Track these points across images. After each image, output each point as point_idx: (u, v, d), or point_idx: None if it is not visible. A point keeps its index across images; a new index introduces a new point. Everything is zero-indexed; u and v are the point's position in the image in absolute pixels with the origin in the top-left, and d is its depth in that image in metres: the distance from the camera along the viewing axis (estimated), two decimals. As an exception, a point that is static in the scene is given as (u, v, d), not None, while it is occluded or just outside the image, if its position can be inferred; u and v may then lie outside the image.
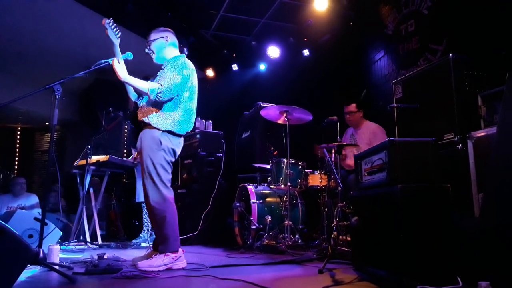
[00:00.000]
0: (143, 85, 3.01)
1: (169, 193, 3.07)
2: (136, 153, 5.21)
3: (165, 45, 3.28)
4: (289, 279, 2.67)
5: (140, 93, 3.28)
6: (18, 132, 10.47)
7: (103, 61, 3.00)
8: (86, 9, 5.80)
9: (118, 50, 3.00)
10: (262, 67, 7.82)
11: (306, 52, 6.93)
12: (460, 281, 2.06)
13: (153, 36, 3.31)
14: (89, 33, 6.42)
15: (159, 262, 2.89)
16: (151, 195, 3.02)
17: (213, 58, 8.00)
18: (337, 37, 6.37)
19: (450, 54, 3.11)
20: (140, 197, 5.15)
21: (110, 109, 6.13)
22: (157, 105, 3.10)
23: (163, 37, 3.29)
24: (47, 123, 9.82)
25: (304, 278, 2.71)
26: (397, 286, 2.12)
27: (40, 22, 6.22)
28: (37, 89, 2.86)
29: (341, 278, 2.51)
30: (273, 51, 7.24)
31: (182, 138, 3.25)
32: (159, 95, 2.99)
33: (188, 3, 6.54)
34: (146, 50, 3.30)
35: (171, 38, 3.34)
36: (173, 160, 3.17)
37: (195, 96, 3.29)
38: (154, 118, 3.08)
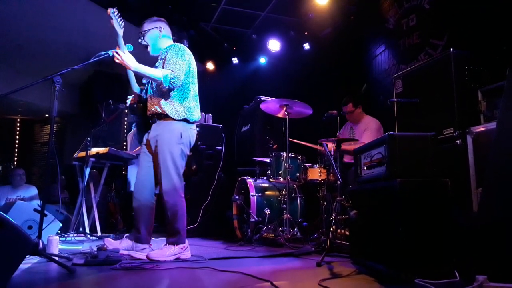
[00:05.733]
0: (156, 72, 2.96)
1: (181, 186, 3.12)
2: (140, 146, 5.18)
3: (159, 36, 3.26)
4: (287, 271, 2.68)
5: (142, 85, 3.28)
6: (18, 124, 10.46)
7: (103, 52, 2.97)
8: (86, 1, 5.78)
9: (121, 41, 2.96)
10: (263, 60, 7.80)
11: (306, 46, 6.91)
12: (458, 275, 2.07)
13: (146, 26, 3.27)
14: (89, 25, 6.40)
15: (170, 252, 2.96)
16: (165, 188, 3.05)
17: (213, 51, 7.98)
18: (338, 31, 6.35)
19: (451, 49, 3.10)
20: (132, 186, 5.11)
21: (110, 101, 6.13)
22: (166, 95, 3.08)
23: (156, 27, 3.25)
24: (46, 115, 9.81)
25: (303, 270, 2.72)
26: (395, 279, 2.13)
27: (40, 14, 6.19)
28: (37, 81, 2.86)
29: (339, 271, 2.52)
30: (274, 45, 7.22)
31: (195, 126, 3.26)
32: (172, 81, 2.97)
33: (189, -4, 6.52)
34: (140, 41, 3.26)
35: (165, 29, 3.32)
36: (189, 152, 3.22)
37: (196, 81, 3.30)
38: (167, 108, 3.07)
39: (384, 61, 5.40)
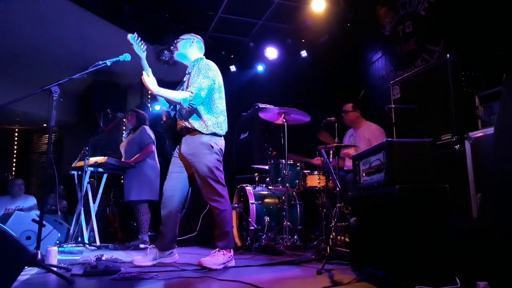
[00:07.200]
0: (175, 95, 3.10)
1: (225, 191, 3.20)
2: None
3: (190, 44, 3.37)
4: (287, 280, 2.67)
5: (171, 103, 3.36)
6: (16, 134, 10.45)
7: (101, 62, 2.99)
8: (83, 10, 5.79)
9: (145, 63, 3.07)
10: (260, 68, 7.81)
11: (304, 53, 6.95)
12: (458, 282, 2.07)
13: (183, 36, 3.42)
14: (87, 34, 6.41)
15: (220, 259, 3.03)
16: (210, 196, 3.15)
17: (211, 59, 7.90)
18: (335, 38, 6.39)
19: (448, 55, 3.11)
20: (129, 195, 5.08)
21: (108, 110, 6.12)
22: (194, 111, 3.18)
23: (191, 39, 3.39)
24: (44, 125, 9.81)
25: (303, 278, 2.71)
26: (396, 286, 2.12)
27: (37, 23, 6.20)
28: (34, 91, 2.86)
29: (340, 278, 2.51)
30: (271, 52, 7.24)
31: (223, 138, 3.34)
32: (191, 102, 3.08)
33: (186, 5, 6.53)
34: (171, 48, 3.37)
35: (199, 43, 3.44)
36: (221, 159, 3.30)
37: (223, 95, 3.37)
38: (196, 123, 3.18)
39: (381, 68, 5.43)
